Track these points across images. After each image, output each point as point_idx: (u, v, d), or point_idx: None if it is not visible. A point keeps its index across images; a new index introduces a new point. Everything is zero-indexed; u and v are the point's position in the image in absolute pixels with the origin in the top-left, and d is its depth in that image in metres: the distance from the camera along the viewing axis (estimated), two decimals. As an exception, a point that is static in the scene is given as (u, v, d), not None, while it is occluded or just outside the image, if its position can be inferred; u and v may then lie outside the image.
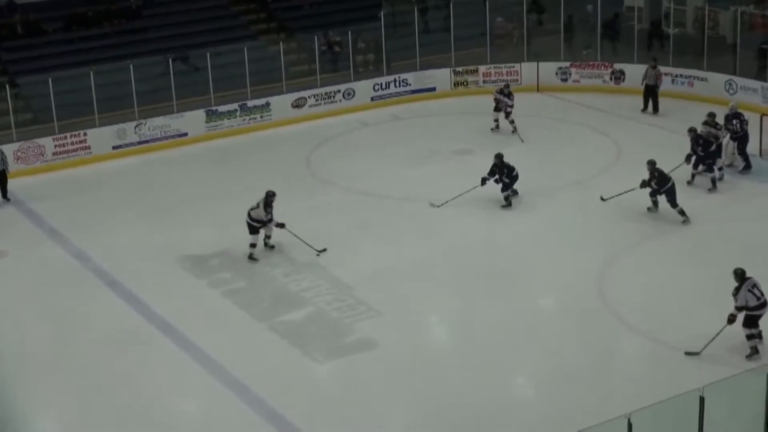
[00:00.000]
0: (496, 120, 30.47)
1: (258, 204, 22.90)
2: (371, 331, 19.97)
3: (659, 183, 23.86)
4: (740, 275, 18.41)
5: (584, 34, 35.76)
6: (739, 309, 18.30)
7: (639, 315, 20.04)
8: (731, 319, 18.32)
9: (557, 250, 22.79)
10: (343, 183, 27.38)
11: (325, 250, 23.06)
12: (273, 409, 17.67)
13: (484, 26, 35.29)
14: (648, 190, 24.02)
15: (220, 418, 17.55)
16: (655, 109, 31.70)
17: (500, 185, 25.15)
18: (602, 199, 24.68)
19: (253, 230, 22.97)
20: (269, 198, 22.87)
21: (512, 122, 29.98)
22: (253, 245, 22.99)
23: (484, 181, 25.08)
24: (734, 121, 26.57)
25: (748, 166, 26.76)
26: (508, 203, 25.11)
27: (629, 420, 12.53)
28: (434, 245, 23.47)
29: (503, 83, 31.57)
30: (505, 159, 25.08)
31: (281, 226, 23.00)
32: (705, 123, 26.34)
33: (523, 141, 29.22)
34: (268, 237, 23.27)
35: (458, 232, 24.02)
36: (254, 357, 19.36)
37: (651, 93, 31.76)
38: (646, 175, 23.85)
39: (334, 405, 17.91)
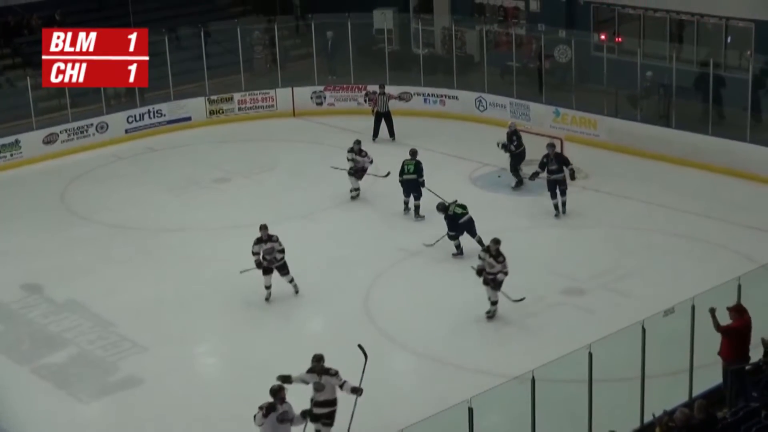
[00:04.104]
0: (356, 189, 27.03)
1: None
2: (137, 367, 19.55)
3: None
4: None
5: (336, 59, 36.14)
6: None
7: (405, 331, 20.26)
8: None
9: (323, 273, 22.82)
10: (100, 217, 26.71)
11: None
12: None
13: (237, 53, 35.21)
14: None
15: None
16: (392, 135, 31.39)
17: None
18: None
19: None
20: None
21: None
22: None
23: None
24: (513, 138, 27.09)
25: (520, 183, 27.25)
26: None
27: (401, 436, 12.65)
28: (197, 274, 23.13)
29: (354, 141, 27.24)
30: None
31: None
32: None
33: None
34: None
35: (221, 260, 23.71)
36: (18, 402, 18.58)
37: (386, 119, 31.39)
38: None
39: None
